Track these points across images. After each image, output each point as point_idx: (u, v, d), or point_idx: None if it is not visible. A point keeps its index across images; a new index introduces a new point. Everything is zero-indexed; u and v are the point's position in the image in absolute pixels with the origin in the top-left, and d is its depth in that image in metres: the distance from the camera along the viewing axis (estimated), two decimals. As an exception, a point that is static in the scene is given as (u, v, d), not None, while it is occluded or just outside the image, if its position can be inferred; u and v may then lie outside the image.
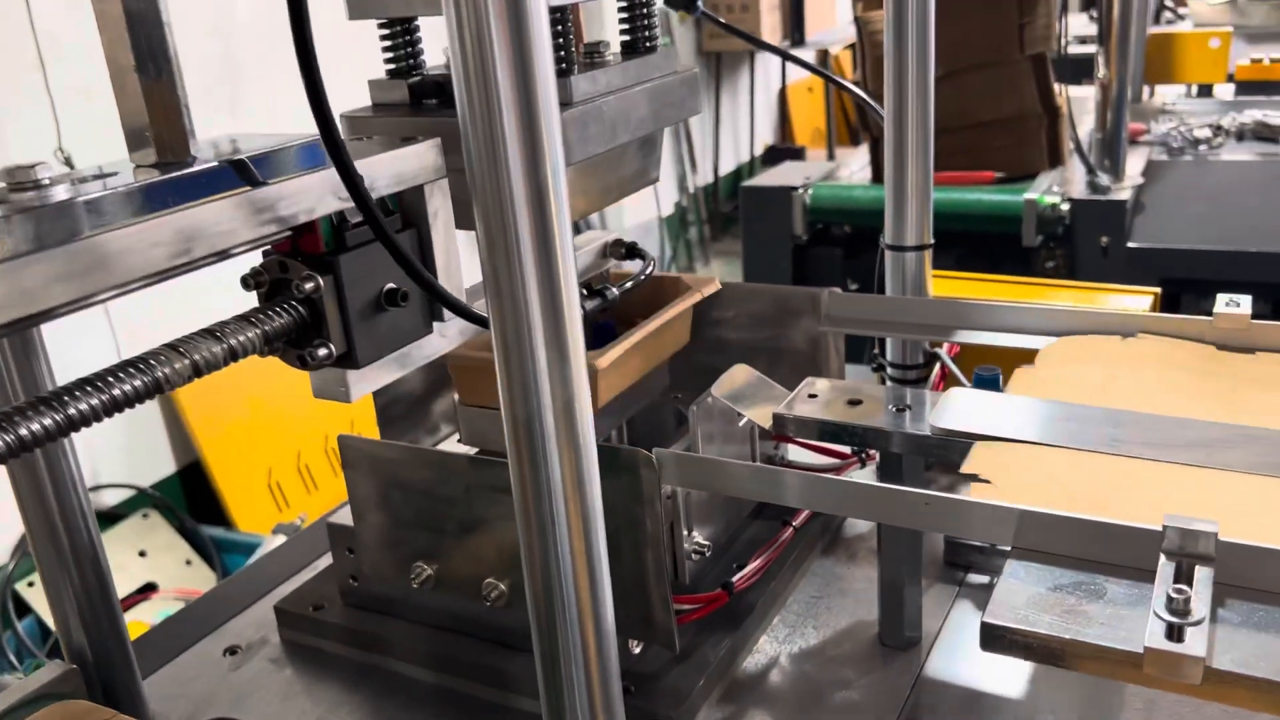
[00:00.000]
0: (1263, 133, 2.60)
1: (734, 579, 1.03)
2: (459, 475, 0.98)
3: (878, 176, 2.42)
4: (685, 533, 1.01)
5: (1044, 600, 0.69)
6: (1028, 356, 1.06)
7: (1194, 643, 0.61)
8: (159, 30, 0.77)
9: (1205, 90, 3.32)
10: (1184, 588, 0.64)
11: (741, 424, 1.05)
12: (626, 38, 1.06)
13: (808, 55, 7.27)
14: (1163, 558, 0.68)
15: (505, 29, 0.56)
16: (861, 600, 1.13)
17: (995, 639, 0.67)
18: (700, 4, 1.32)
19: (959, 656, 1.04)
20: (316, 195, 0.78)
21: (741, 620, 1.05)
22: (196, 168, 0.75)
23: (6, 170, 0.65)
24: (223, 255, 0.73)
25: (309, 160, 0.80)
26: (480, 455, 1.07)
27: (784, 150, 6.71)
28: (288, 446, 3.59)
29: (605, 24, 1.16)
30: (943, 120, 1.18)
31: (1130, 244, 2.27)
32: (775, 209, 2.31)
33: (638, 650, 1.01)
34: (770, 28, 6.25)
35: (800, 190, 2.35)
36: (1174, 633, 0.62)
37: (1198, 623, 0.62)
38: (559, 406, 0.63)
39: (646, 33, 1.05)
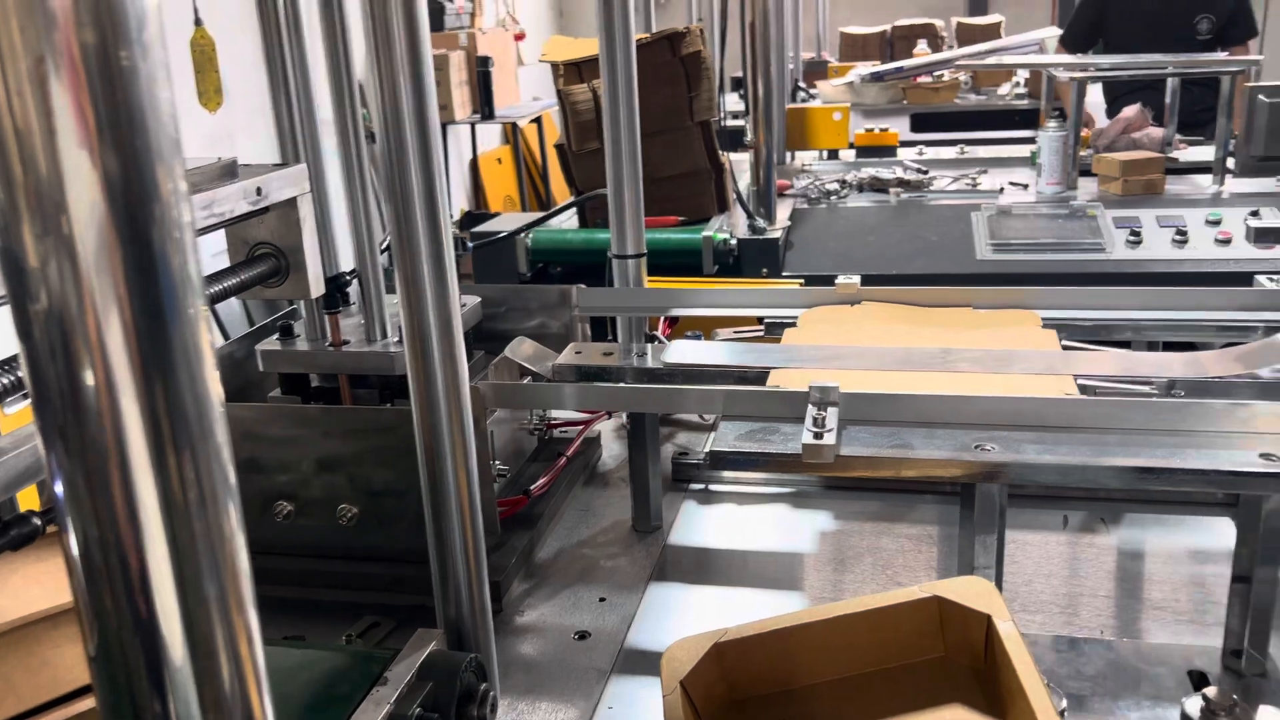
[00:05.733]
0: (875, 185, 3.30)
1: (530, 488, 1.39)
2: (315, 422, 1.28)
3: (583, 223, 2.89)
4: (491, 460, 1.37)
5: (746, 436, 1.11)
6: (720, 323, 1.50)
7: (828, 439, 1.05)
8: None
9: (833, 154, 4.07)
10: (822, 414, 1.08)
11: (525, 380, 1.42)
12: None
13: (496, 129, 7.81)
14: (810, 407, 1.12)
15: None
16: (617, 510, 1.52)
17: (720, 459, 1.08)
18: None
19: (689, 534, 1.46)
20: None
21: (536, 521, 1.41)
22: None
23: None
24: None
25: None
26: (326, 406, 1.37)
27: (480, 215, 7.13)
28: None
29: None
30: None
31: (784, 273, 2.85)
32: (503, 252, 2.71)
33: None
34: (460, 102, 6.69)
35: (523, 235, 2.76)
36: (817, 436, 1.06)
37: (830, 430, 1.06)
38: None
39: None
